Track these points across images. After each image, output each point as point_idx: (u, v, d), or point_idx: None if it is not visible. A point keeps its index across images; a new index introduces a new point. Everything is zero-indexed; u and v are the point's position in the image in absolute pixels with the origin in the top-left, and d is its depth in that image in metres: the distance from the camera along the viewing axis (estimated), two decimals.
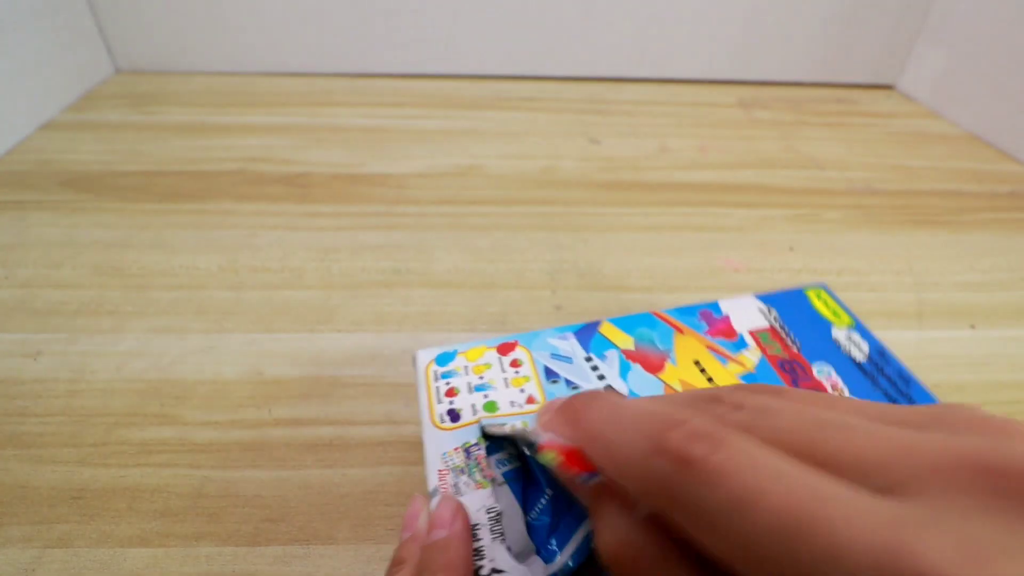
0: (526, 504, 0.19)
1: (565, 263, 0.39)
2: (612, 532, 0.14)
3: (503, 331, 0.33)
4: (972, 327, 0.36)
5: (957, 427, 0.12)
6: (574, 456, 0.14)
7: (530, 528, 0.18)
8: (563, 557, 0.17)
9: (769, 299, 0.27)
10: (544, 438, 0.14)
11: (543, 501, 0.18)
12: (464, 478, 0.19)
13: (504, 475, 0.19)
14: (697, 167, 0.52)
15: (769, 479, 0.11)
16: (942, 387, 0.32)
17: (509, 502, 0.19)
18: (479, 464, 0.20)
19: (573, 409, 0.16)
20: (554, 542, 0.18)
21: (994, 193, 0.50)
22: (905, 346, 0.34)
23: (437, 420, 0.22)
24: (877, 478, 0.11)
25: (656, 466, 0.12)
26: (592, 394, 0.16)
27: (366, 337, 0.33)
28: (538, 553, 0.17)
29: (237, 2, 0.62)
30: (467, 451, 0.20)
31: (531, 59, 0.68)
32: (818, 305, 0.27)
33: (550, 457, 0.14)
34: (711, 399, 0.14)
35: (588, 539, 0.15)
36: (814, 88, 0.70)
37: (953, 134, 0.61)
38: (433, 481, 0.20)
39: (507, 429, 0.18)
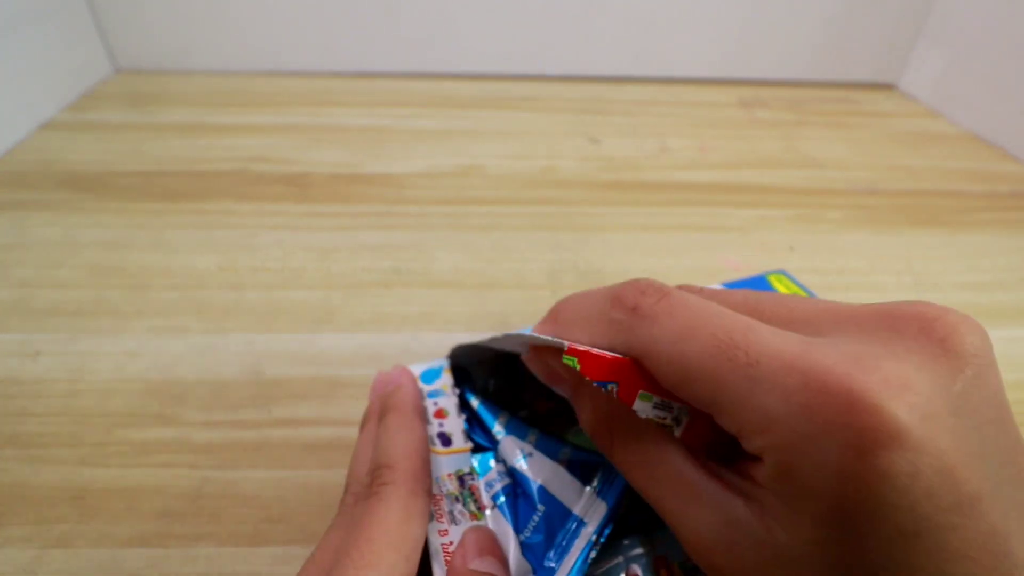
0: (518, 524, 0.18)
1: (565, 263, 0.39)
2: (590, 409, 0.17)
3: (503, 331, 0.33)
4: None
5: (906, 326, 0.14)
6: (591, 362, 0.15)
7: (524, 548, 0.18)
8: (563, 572, 0.17)
9: (735, 287, 0.27)
10: (565, 343, 0.15)
11: (535, 518, 0.18)
12: (459, 507, 0.19)
13: (493, 497, 0.19)
14: (697, 167, 0.52)
15: (706, 316, 0.14)
16: None
17: (502, 529, 0.18)
18: (473, 494, 0.19)
19: (554, 310, 0.19)
20: (552, 556, 0.17)
21: (994, 193, 0.50)
22: None
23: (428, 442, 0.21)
24: (804, 328, 0.13)
25: (615, 316, 0.15)
26: (569, 296, 0.19)
27: (366, 337, 0.33)
28: (535, 573, 0.17)
29: (237, 2, 0.62)
30: (460, 479, 0.20)
31: (531, 58, 0.68)
32: (780, 289, 0.27)
33: (572, 362, 0.15)
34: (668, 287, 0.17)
35: (587, 551, 0.15)
36: (815, 88, 0.70)
37: (953, 134, 0.60)
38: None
39: (487, 342, 0.18)
